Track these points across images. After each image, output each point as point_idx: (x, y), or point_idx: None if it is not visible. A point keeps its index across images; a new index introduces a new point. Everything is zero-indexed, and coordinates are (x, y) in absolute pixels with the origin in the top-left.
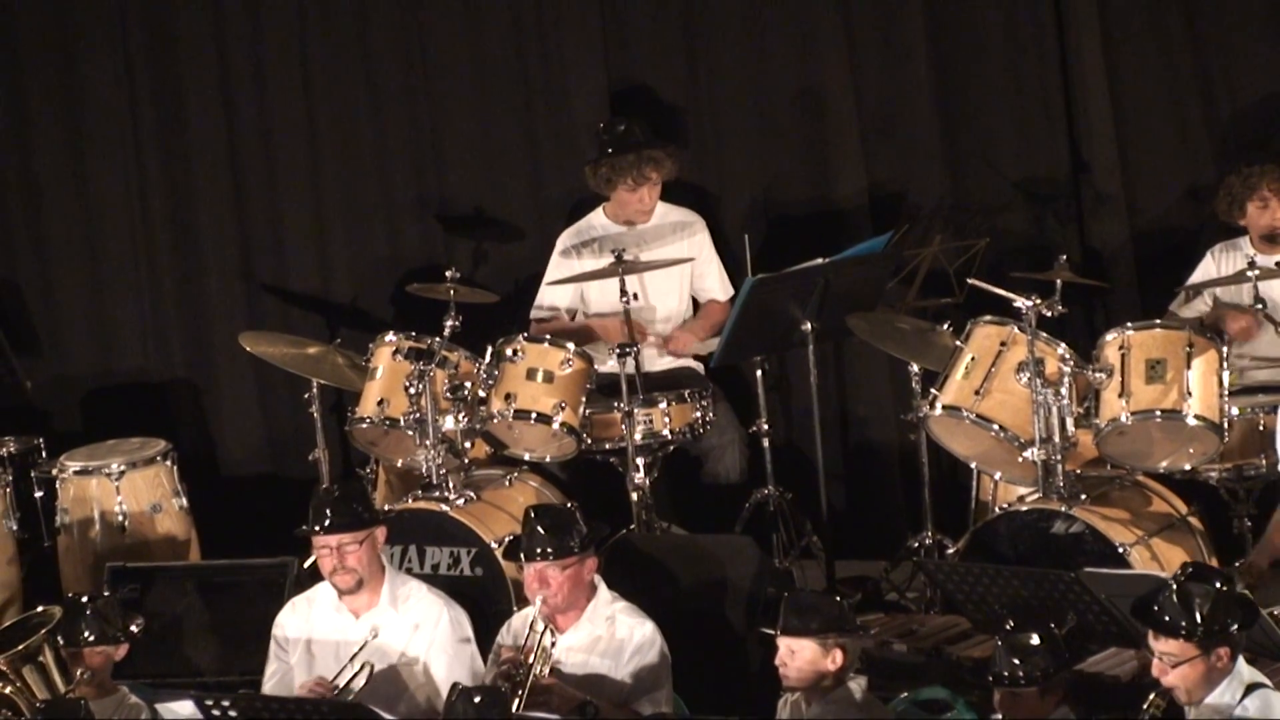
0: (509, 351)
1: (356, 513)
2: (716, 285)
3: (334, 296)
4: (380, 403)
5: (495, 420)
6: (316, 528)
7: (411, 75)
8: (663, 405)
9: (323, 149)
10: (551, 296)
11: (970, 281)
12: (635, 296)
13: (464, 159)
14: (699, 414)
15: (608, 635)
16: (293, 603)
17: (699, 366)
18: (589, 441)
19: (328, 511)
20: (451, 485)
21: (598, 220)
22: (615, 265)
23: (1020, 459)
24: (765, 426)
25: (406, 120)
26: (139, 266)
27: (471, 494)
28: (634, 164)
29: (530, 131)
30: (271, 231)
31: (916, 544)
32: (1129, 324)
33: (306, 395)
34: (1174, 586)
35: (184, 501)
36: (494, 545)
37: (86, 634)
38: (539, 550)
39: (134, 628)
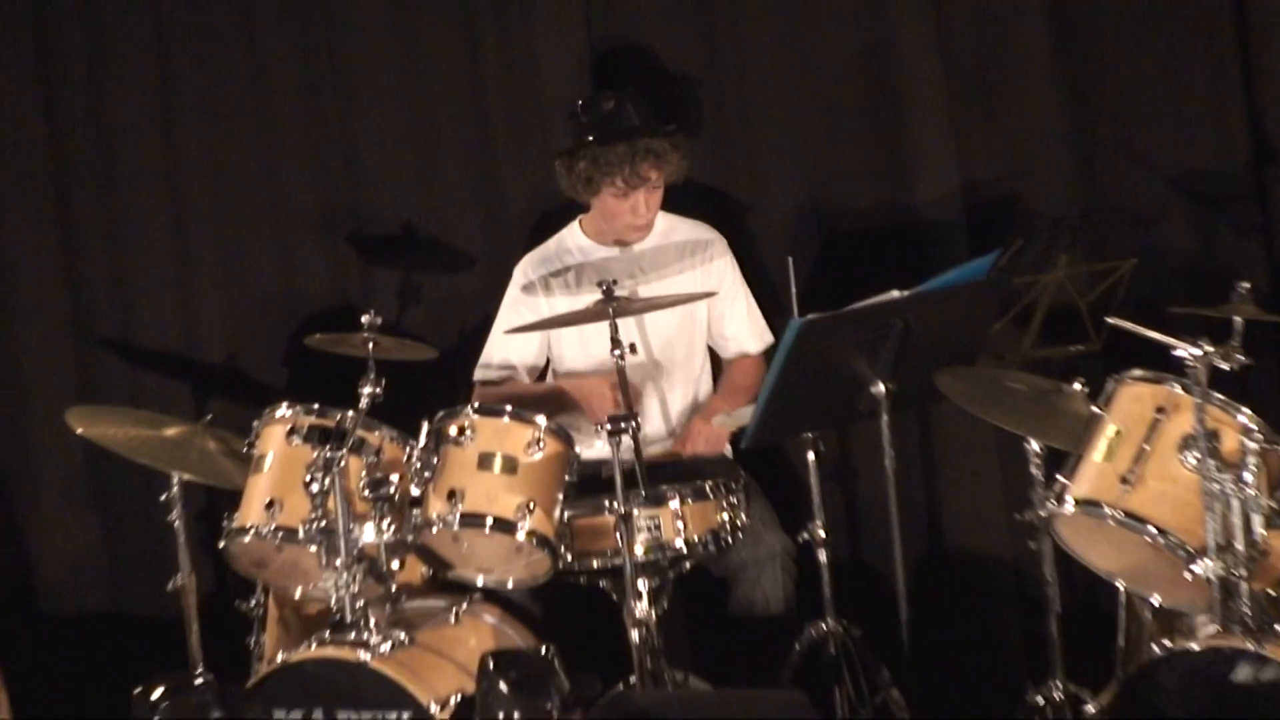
0: (453, 430)
1: None
2: (746, 331)
3: (202, 354)
4: (270, 506)
5: (435, 529)
6: None
7: (311, 41)
8: (674, 504)
9: (184, 148)
10: (506, 350)
11: (1111, 321)
12: (633, 349)
13: (387, 157)
14: (726, 516)
15: None
16: None
17: (725, 447)
18: (569, 558)
19: None
20: (373, 623)
21: (573, 240)
22: (603, 304)
23: (1188, 575)
24: (821, 533)
25: (304, 103)
26: None
27: (402, 635)
28: (625, 157)
29: (480, 117)
30: (112, 266)
31: (1040, 699)
32: None
33: (164, 496)
34: None
35: None
36: (435, 708)
37: None
38: (501, 716)
39: None
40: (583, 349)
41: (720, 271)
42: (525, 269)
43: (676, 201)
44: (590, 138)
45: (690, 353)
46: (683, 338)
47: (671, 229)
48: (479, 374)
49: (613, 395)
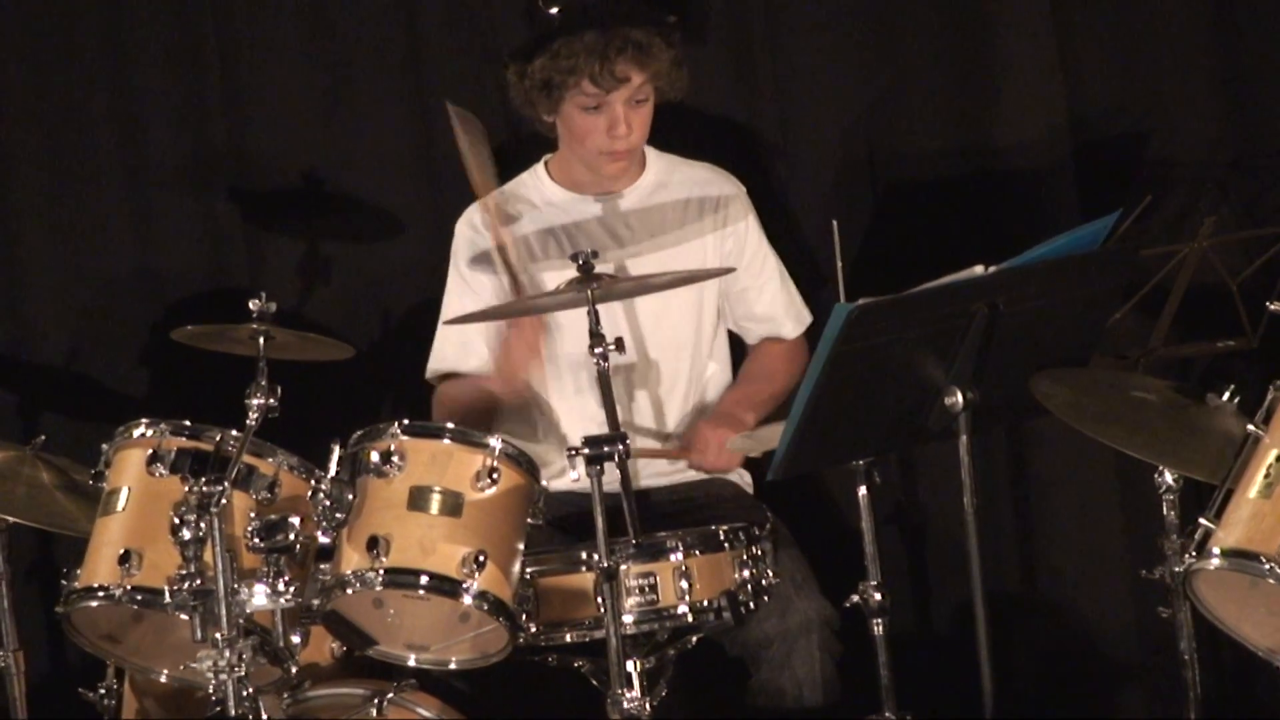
0: (375, 457)
1: None
2: (781, 310)
3: (32, 354)
4: (125, 559)
5: (351, 590)
6: None
7: None
8: (676, 556)
9: (9, 80)
10: (455, 348)
11: (1273, 308)
12: (620, 344)
13: (280, 84)
14: (747, 572)
15: None
16: None
17: (742, 476)
18: (533, 630)
19: None
20: (265, 717)
21: (536, 189)
22: (581, 282)
23: None
24: (877, 596)
25: (168, 13)
26: None
27: None
28: (595, 49)
29: (406, 21)
30: None
31: None
32: None
33: None
34: None
35: None
36: None
37: None
38: None
39: None
40: (552, 339)
41: (741, 237)
42: (468, 233)
43: (676, 141)
44: (555, 27)
45: (696, 348)
46: (687, 327)
47: (671, 177)
48: (433, 367)
49: (521, 341)
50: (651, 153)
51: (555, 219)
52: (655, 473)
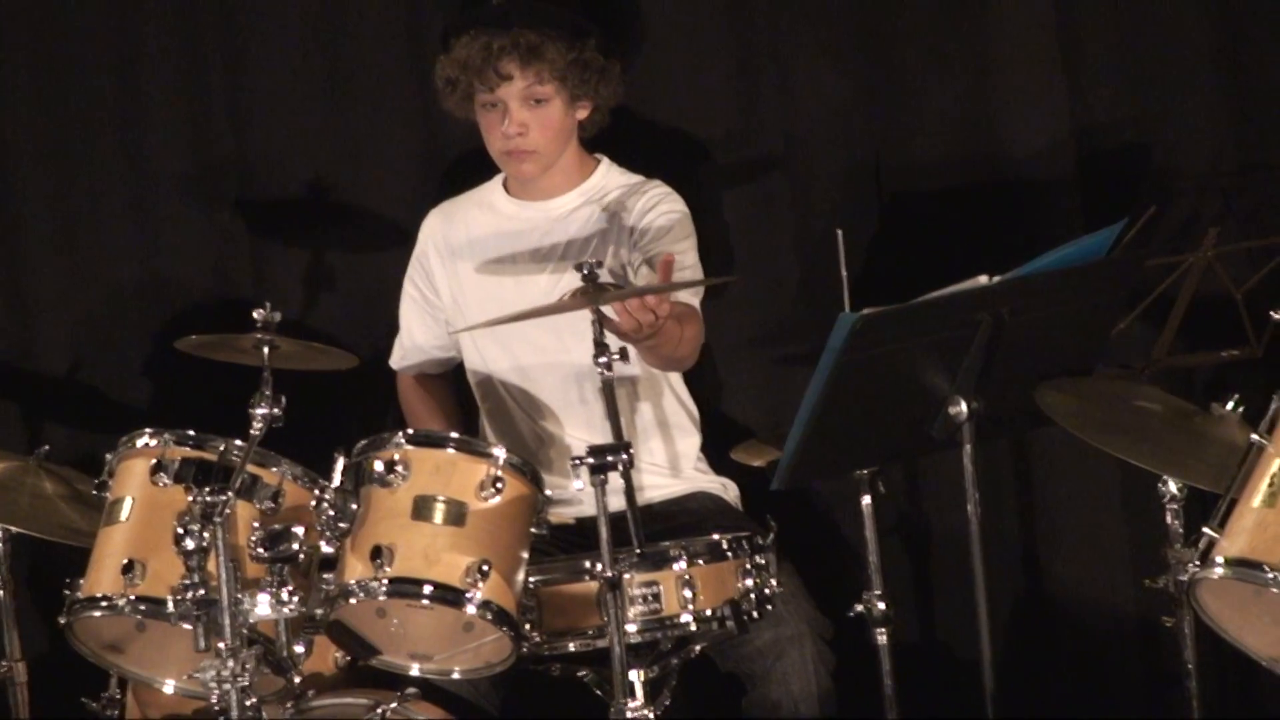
0: (379, 466)
1: None
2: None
3: (35, 363)
4: (129, 569)
5: (354, 600)
6: None
7: None
8: (680, 565)
9: (14, 89)
10: (409, 328)
11: (1278, 317)
12: (624, 355)
13: (287, 92)
14: (751, 581)
15: None
16: None
17: (727, 489)
18: (537, 639)
19: None
20: None
21: (491, 194)
22: (585, 292)
23: None
24: (880, 605)
25: (172, 22)
26: None
27: None
28: (484, 51)
29: (416, 30)
30: None
31: None
32: None
33: None
34: None
35: None
36: None
37: None
38: None
39: None
40: (501, 348)
41: (641, 226)
42: (434, 229)
43: (679, 152)
44: (465, 27)
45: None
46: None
47: (607, 193)
48: (396, 361)
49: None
50: (604, 165)
51: (495, 227)
52: (658, 481)
